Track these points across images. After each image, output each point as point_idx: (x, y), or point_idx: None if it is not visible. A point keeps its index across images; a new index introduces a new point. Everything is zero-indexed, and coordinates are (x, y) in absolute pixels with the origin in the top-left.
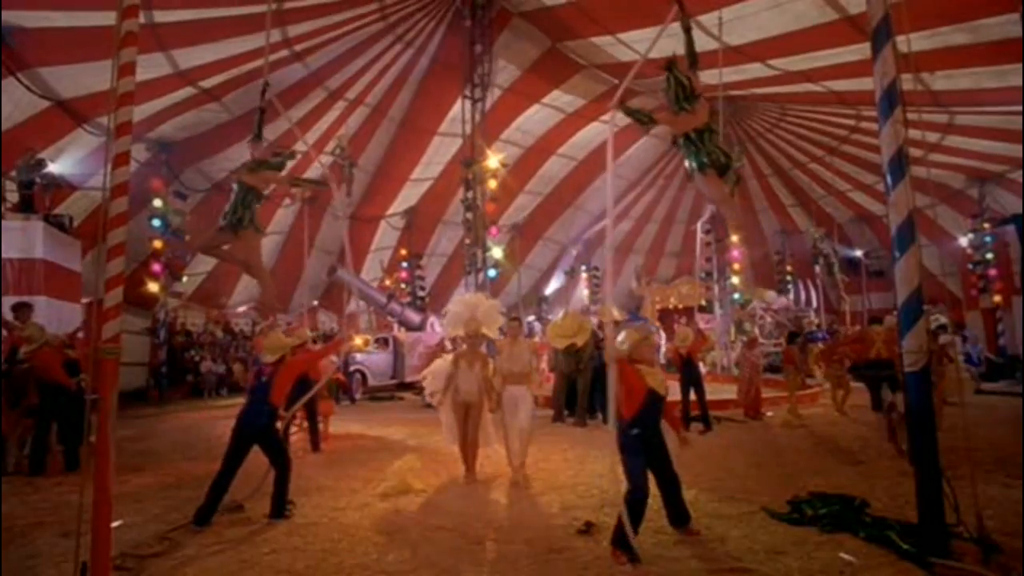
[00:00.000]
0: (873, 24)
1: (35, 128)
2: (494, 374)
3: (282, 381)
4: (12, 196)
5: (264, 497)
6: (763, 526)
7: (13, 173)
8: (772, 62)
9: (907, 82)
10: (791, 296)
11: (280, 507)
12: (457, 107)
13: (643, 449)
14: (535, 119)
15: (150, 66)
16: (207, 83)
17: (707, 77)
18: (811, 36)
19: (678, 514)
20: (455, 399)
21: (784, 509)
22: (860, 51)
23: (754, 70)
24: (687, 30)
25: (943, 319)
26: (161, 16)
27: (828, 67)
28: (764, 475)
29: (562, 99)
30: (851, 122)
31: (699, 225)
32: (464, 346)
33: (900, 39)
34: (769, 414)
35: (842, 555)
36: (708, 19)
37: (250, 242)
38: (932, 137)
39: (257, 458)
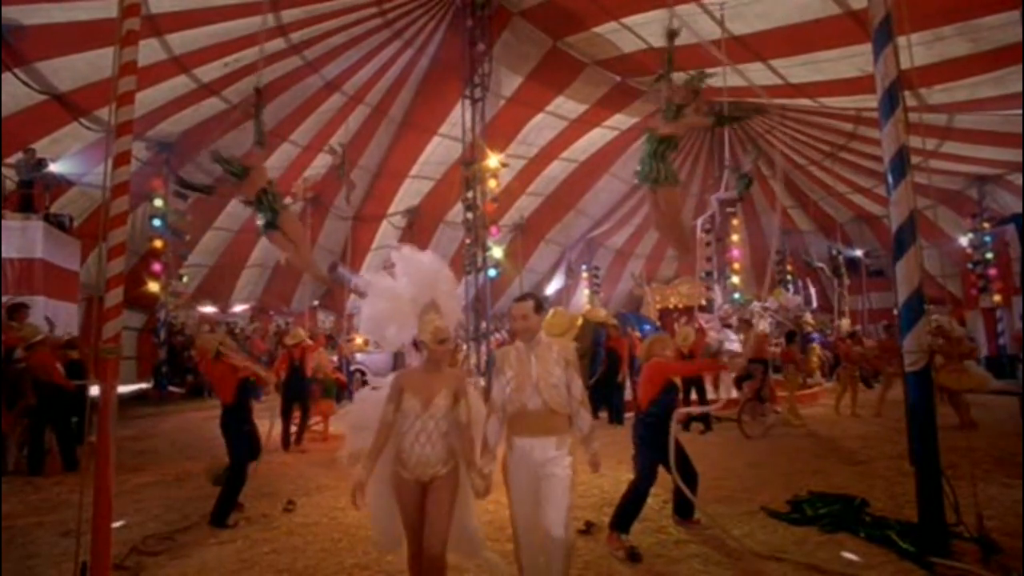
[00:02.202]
0: (874, 25)
1: (30, 119)
2: (489, 415)
3: (221, 380)
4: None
5: (264, 497)
6: (763, 526)
7: (11, 161)
8: (773, 62)
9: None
10: (791, 295)
11: (219, 513)
12: (458, 110)
13: (656, 441)
14: (538, 127)
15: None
16: (201, 71)
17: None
18: (814, 31)
19: (684, 507)
20: (397, 476)
21: (784, 509)
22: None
23: (755, 74)
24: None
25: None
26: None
27: (826, 82)
28: (764, 475)
29: (565, 105)
30: (850, 127)
31: (699, 223)
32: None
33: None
34: (778, 410)
35: (843, 554)
36: (711, 5)
37: (287, 226)
38: (930, 144)
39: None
